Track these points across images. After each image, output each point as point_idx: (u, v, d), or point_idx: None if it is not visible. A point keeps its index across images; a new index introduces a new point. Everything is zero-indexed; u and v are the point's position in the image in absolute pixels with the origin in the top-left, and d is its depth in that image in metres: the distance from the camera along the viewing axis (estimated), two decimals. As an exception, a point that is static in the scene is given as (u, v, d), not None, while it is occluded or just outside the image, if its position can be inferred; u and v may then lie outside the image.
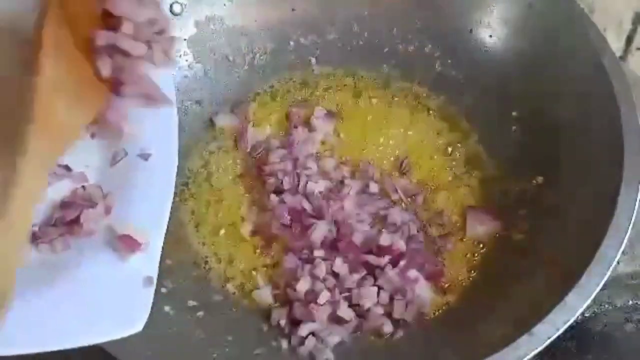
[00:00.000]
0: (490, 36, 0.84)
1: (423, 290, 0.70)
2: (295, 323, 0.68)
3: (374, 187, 0.78)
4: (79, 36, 0.57)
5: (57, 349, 0.53)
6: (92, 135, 0.65)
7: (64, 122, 0.54)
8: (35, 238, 0.58)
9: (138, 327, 0.55)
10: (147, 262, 0.58)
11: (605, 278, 0.58)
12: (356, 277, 0.70)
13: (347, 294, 0.69)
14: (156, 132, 0.66)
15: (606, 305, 0.76)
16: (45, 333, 0.53)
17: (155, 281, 0.57)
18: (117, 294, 0.57)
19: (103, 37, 0.57)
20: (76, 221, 0.59)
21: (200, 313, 0.69)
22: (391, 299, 0.69)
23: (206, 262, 0.75)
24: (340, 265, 0.70)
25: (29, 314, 0.54)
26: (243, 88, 0.88)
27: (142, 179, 0.64)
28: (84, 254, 0.58)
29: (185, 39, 0.85)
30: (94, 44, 0.57)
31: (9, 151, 0.49)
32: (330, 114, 0.84)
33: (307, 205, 0.75)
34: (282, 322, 0.69)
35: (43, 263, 0.58)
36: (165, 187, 0.64)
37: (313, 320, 0.67)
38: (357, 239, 0.71)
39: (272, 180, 0.78)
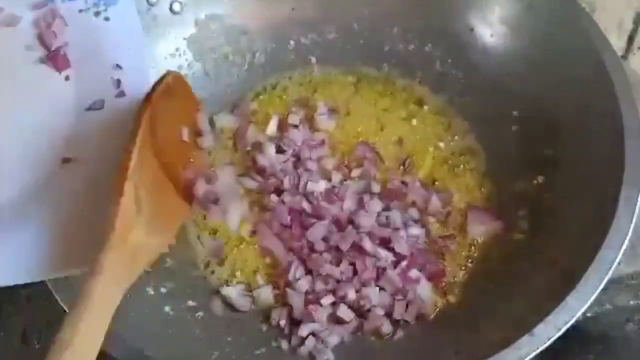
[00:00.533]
0: (491, 36, 0.84)
1: (424, 290, 0.69)
2: (295, 323, 0.68)
3: (375, 187, 0.78)
4: (166, 160, 0.61)
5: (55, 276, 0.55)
6: (67, 78, 0.68)
7: (140, 245, 0.55)
8: None
9: None
10: None
11: (606, 279, 0.58)
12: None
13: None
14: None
15: (607, 306, 0.75)
16: (39, 264, 0.56)
17: None
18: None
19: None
20: None
21: (200, 313, 0.69)
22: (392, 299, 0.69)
23: (206, 263, 0.75)
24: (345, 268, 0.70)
25: (16, 250, 0.56)
26: (243, 88, 0.88)
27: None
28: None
29: (185, 38, 0.85)
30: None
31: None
32: (332, 112, 0.84)
33: (307, 206, 0.75)
34: (282, 322, 0.69)
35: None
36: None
37: (313, 321, 0.67)
38: (367, 244, 0.71)
39: (272, 180, 0.78)
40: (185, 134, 0.67)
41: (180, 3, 0.84)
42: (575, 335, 0.71)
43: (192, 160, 0.69)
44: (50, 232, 0.57)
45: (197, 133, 0.73)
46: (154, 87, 0.61)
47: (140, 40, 0.72)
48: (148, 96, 0.60)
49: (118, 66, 0.68)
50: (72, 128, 0.64)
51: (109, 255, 0.52)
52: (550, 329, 0.56)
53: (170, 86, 0.63)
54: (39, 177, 0.62)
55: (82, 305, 0.49)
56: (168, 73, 0.63)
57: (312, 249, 0.72)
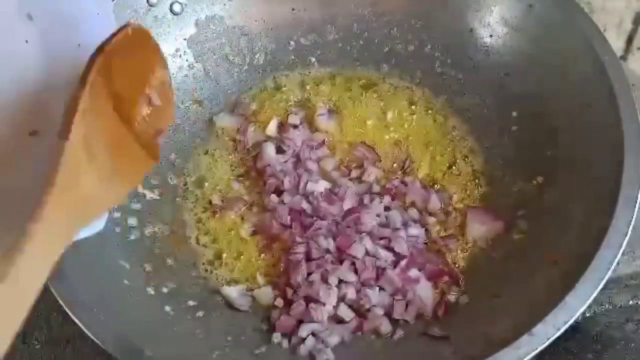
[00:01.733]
0: (490, 36, 0.84)
1: (424, 290, 0.70)
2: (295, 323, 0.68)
3: (375, 188, 0.78)
4: (126, 112, 0.59)
5: None
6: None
7: (92, 194, 0.53)
8: None
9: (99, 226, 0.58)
10: None
11: (606, 279, 0.58)
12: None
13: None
14: None
15: (606, 305, 0.75)
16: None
17: None
18: None
19: None
20: None
21: (200, 313, 0.69)
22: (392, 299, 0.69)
23: (206, 262, 0.75)
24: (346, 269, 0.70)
25: None
26: (243, 88, 0.88)
27: None
28: None
29: (185, 39, 0.85)
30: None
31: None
32: (332, 112, 0.84)
33: (306, 206, 0.75)
34: (282, 322, 0.69)
35: None
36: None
37: (313, 320, 0.67)
38: (367, 244, 0.71)
39: (272, 180, 0.78)
40: (156, 98, 0.64)
41: (181, 4, 0.84)
42: (574, 335, 0.72)
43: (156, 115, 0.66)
44: (18, 210, 0.53)
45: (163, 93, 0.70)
46: (109, 38, 0.58)
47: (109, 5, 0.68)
48: (101, 47, 0.57)
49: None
50: (41, 97, 0.61)
51: (53, 201, 0.48)
52: (550, 329, 0.56)
53: (129, 39, 0.60)
54: (2, 150, 0.58)
55: (20, 249, 0.45)
56: (128, 24, 0.60)
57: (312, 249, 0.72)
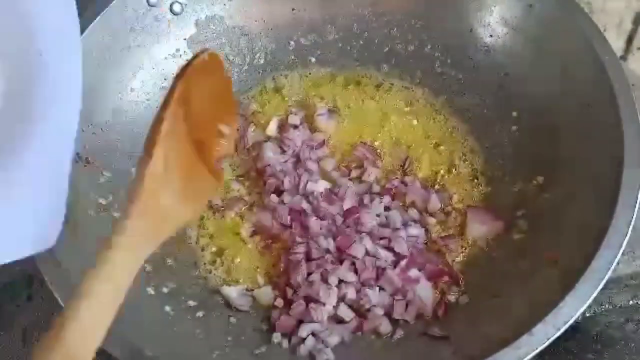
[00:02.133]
0: (491, 36, 0.84)
1: (424, 290, 0.70)
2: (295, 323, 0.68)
3: (375, 188, 0.78)
4: (197, 136, 0.61)
5: None
6: None
7: (167, 211, 0.56)
8: None
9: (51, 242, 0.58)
10: None
11: (606, 279, 0.58)
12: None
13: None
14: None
15: (606, 305, 0.75)
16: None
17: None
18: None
19: None
20: None
21: (200, 313, 0.69)
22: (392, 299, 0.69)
23: (206, 262, 0.75)
24: (345, 269, 0.70)
25: None
26: (243, 88, 0.88)
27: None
28: None
29: (185, 39, 0.85)
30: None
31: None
32: (332, 112, 0.84)
33: (306, 206, 0.75)
34: (282, 321, 0.69)
35: None
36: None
37: (313, 320, 0.67)
38: (367, 244, 0.71)
39: (272, 180, 0.78)
40: (225, 129, 0.67)
41: (181, 4, 0.84)
42: (574, 335, 0.72)
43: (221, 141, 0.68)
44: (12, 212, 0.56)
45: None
46: (189, 62, 0.61)
47: (75, 20, 0.66)
48: (183, 68, 0.60)
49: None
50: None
51: (137, 216, 0.52)
52: (550, 329, 0.56)
53: (206, 63, 0.62)
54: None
55: (104, 266, 0.49)
56: (204, 50, 0.62)
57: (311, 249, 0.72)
